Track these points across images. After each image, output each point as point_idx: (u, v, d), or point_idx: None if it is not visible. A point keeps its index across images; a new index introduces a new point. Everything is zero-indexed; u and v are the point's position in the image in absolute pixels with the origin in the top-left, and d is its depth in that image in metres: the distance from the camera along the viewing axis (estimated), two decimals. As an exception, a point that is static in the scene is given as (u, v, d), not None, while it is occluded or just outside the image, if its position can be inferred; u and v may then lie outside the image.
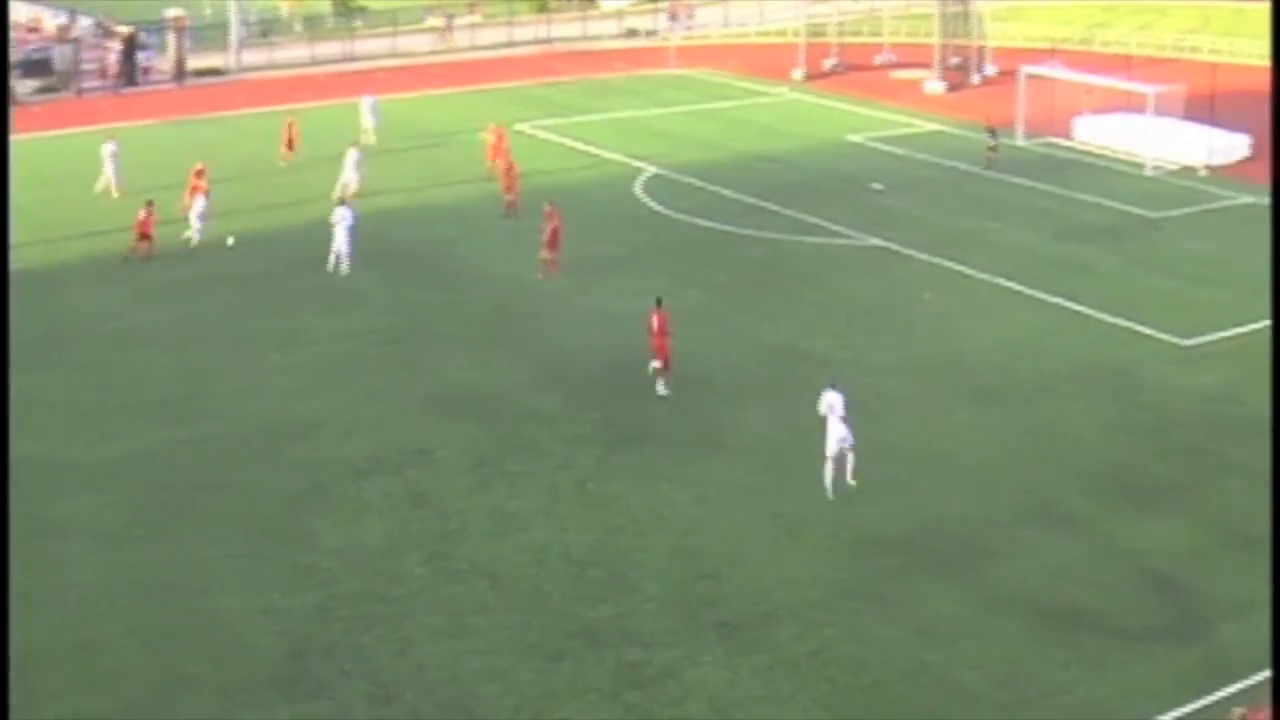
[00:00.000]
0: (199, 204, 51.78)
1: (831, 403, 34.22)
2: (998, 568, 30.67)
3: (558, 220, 48.65)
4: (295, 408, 38.31)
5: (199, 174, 53.60)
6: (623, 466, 35.03)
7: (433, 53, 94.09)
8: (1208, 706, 25.94)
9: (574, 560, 30.72)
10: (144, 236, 49.36)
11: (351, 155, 58.08)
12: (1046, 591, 29.81)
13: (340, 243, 48.50)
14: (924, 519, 32.66)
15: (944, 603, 29.27)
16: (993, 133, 66.32)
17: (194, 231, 51.12)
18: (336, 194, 54.81)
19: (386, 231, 51.95)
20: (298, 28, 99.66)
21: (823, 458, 33.41)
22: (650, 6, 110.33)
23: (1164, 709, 26.03)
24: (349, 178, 57.17)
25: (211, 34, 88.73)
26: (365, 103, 67.54)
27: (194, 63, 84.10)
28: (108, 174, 57.00)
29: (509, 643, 27.76)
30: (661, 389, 39.09)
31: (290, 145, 62.94)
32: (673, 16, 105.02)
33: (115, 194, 56.14)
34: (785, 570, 30.41)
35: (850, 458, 33.20)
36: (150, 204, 49.90)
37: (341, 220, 48.79)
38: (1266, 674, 26.37)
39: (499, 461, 35.14)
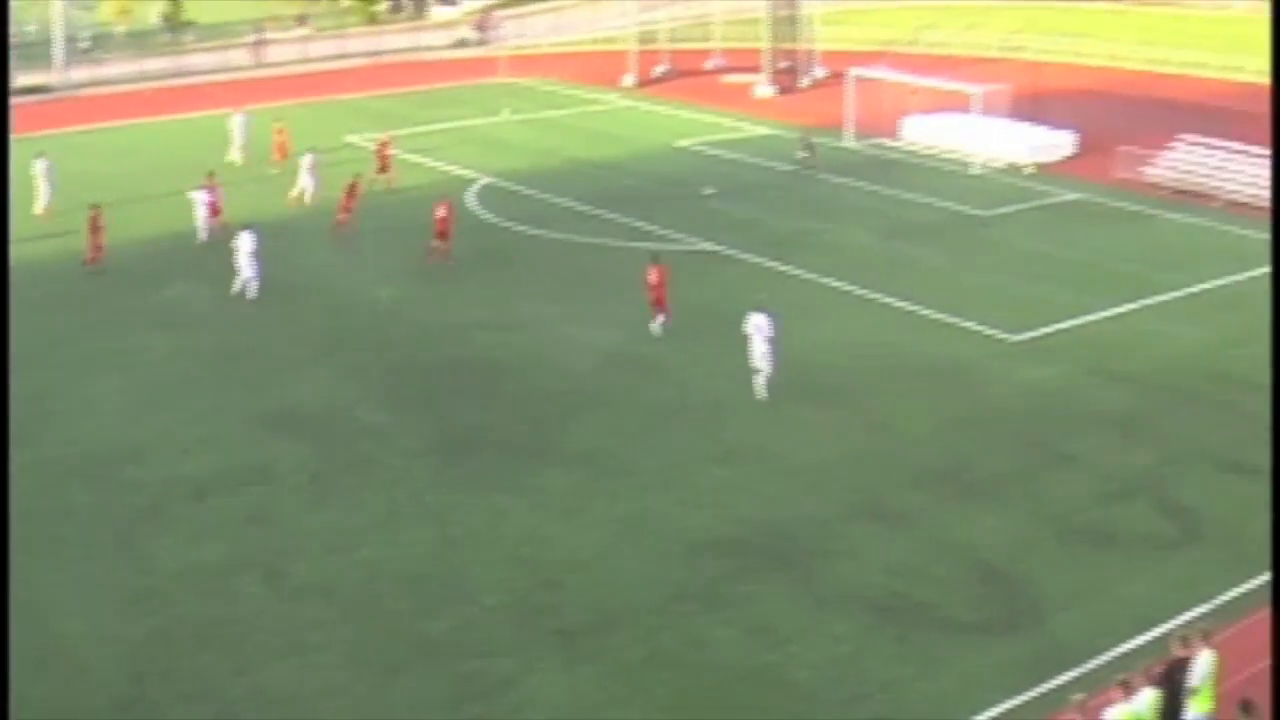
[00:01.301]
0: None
1: (758, 324, 39.40)
2: (833, 565, 30.93)
3: (446, 210, 51.53)
4: (131, 428, 37.74)
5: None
6: (458, 478, 34.90)
7: (260, 66, 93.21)
8: (1042, 695, 26.28)
9: (411, 574, 30.55)
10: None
11: (306, 160, 59.38)
12: (881, 587, 30.09)
13: (244, 268, 47.63)
14: (759, 520, 32.87)
15: (779, 602, 29.46)
16: (808, 142, 66.87)
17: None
18: (293, 196, 57.80)
19: (223, 247, 51.38)
20: (123, 43, 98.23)
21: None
22: (481, 16, 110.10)
23: (999, 699, 26.34)
24: (304, 183, 58.65)
25: (37, 51, 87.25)
26: (235, 120, 66.54)
27: (19, 80, 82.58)
28: (42, 192, 56.93)
29: (347, 658, 27.56)
30: (657, 329, 43.88)
31: (282, 152, 64.47)
32: (478, 27, 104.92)
33: (41, 212, 56.11)
34: (622, 576, 30.49)
35: (762, 376, 39.06)
36: None
37: (243, 246, 47.82)
38: (1101, 660, 27.04)
39: (335, 477, 34.88)
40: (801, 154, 66.04)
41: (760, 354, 39.39)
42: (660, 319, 44.36)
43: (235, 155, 64.94)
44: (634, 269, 50.61)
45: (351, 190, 55.42)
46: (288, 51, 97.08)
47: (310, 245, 53.35)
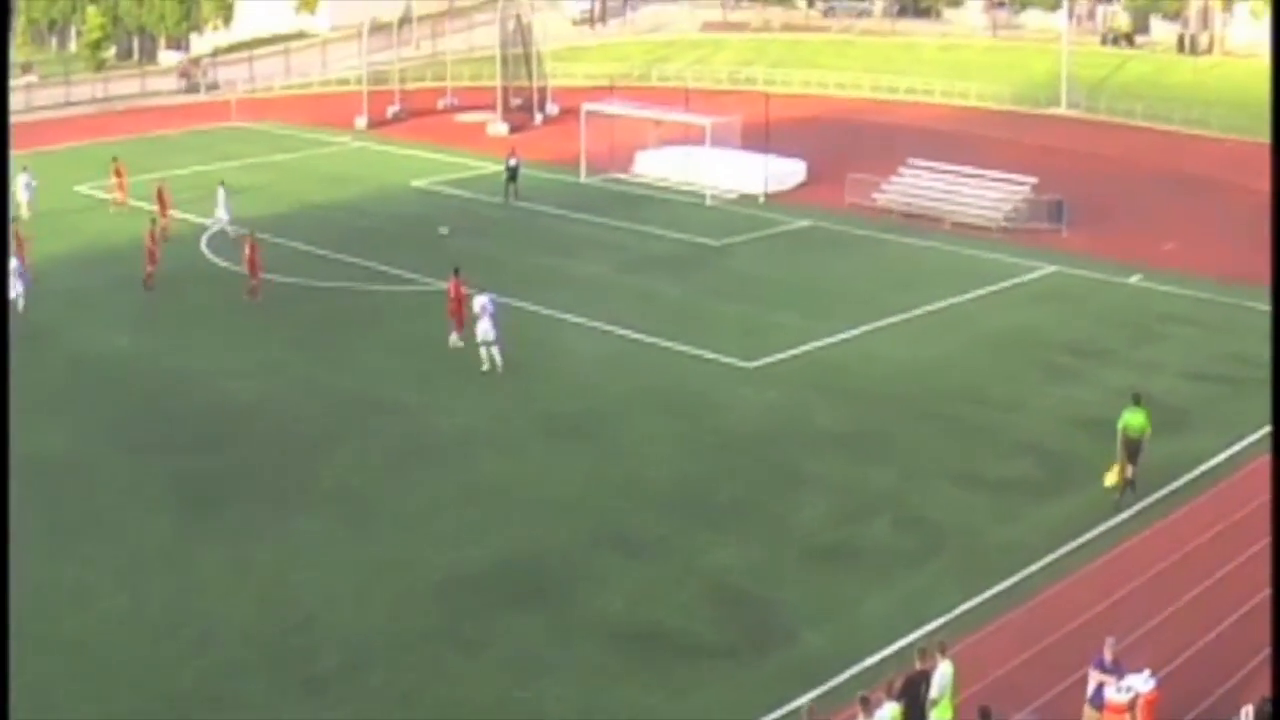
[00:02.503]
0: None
1: (483, 304, 44.12)
2: (582, 597, 31.07)
3: (249, 245, 52.52)
4: None
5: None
6: (203, 526, 34.34)
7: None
8: (788, 714, 26.65)
9: (156, 626, 30.05)
10: None
11: (220, 193, 61.22)
12: (627, 616, 30.35)
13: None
14: (508, 555, 32.92)
15: (530, 636, 29.54)
16: (512, 168, 67.37)
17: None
18: (214, 228, 59.73)
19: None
20: None
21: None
22: (210, 60, 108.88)
23: (747, 720, 26.83)
24: (221, 214, 60.56)
25: None
26: (20, 180, 64.34)
27: None
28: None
29: (96, 715, 27.04)
30: (456, 341, 45.82)
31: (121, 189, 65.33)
32: (183, 75, 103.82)
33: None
34: (371, 617, 30.31)
35: (496, 348, 43.89)
36: None
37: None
38: (846, 676, 27.58)
39: (75, 529, 34.17)
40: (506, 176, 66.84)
41: (481, 331, 44.12)
42: (455, 334, 46.12)
43: (22, 211, 63.05)
44: (373, 312, 50.66)
45: (154, 239, 54.34)
46: (13, 100, 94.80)
47: (46, 294, 52.12)
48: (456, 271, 46.95)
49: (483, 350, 44.30)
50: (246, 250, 52.52)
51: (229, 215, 60.87)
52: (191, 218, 63.13)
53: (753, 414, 41.61)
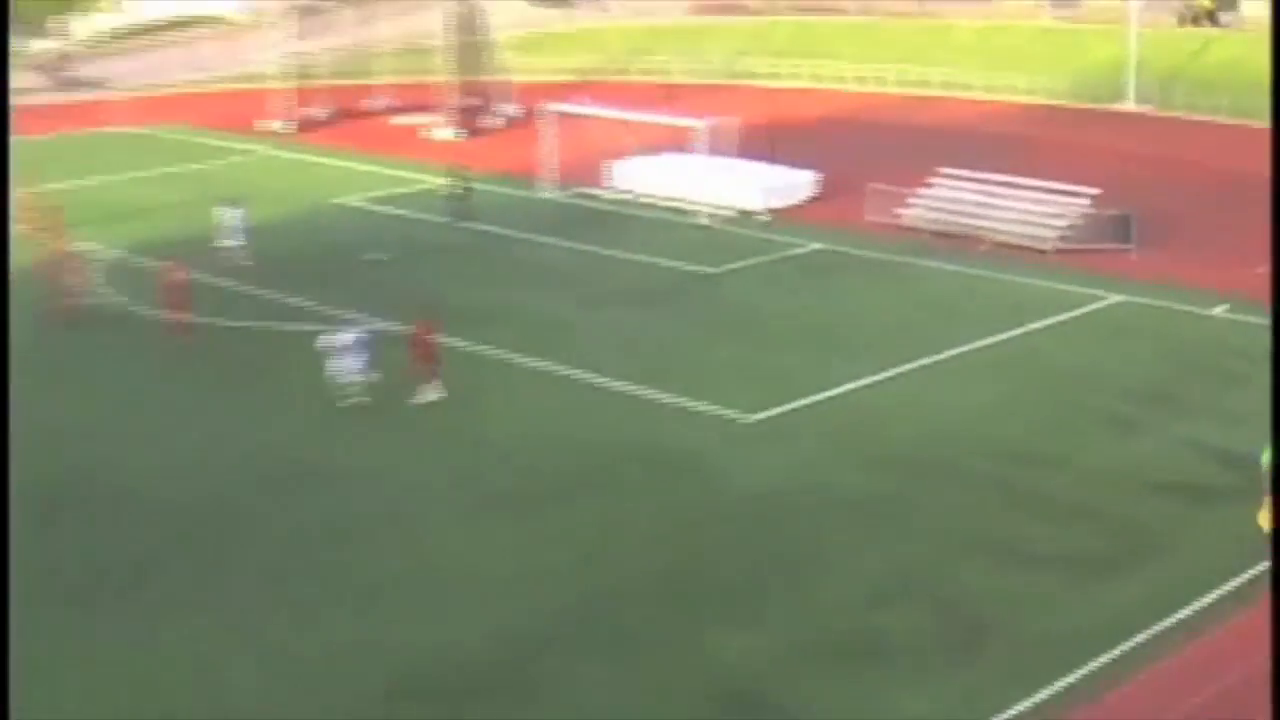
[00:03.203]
0: None
1: (345, 340, 46.47)
2: (550, 699, 30.83)
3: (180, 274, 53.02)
4: None
5: None
6: (99, 619, 34.32)
7: None
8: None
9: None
10: None
11: (229, 213, 61.58)
12: (609, 724, 30.41)
13: None
14: (459, 650, 32.70)
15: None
16: (462, 178, 67.60)
17: None
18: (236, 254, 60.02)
19: None
20: None
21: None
22: (91, 50, 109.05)
23: None
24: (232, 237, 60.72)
25: None
26: None
27: None
28: None
29: None
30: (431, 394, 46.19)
31: None
32: (51, 70, 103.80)
33: None
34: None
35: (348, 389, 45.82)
36: None
37: None
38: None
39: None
40: (459, 192, 66.93)
41: (347, 366, 46.54)
42: (428, 386, 46.65)
43: None
44: (290, 356, 50.52)
45: (65, 267, 54.74)
46: None
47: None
48: (423, 314, 47.30)
49: (349, 386, 46.03)
50: (170, 282, 52.69)
51: (242, 239, 60.64)
52: (90, 246, 63.03)
53: (756, 478, 41.55)
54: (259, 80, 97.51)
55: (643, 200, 70.49)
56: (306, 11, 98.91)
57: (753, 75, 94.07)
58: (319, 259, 62.15)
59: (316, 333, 48.06)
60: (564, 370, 49.32)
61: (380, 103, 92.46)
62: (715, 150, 69.80)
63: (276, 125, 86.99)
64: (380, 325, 52.67)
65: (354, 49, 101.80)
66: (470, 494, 40.34)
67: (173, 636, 33.29)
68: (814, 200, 70.27)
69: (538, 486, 41.03)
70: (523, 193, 70.94)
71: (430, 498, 40.23)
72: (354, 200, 72.00)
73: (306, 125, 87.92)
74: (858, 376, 48.51)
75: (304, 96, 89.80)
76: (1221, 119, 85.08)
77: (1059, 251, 62.32)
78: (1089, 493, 40.31)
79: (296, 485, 41.07)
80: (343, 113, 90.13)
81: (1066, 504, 39.65)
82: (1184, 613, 33.84)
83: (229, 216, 61.43)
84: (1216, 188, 73.06)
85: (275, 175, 77.41)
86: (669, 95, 78.71)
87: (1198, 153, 79.01)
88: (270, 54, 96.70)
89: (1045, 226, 63.75)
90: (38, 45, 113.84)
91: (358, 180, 75.55)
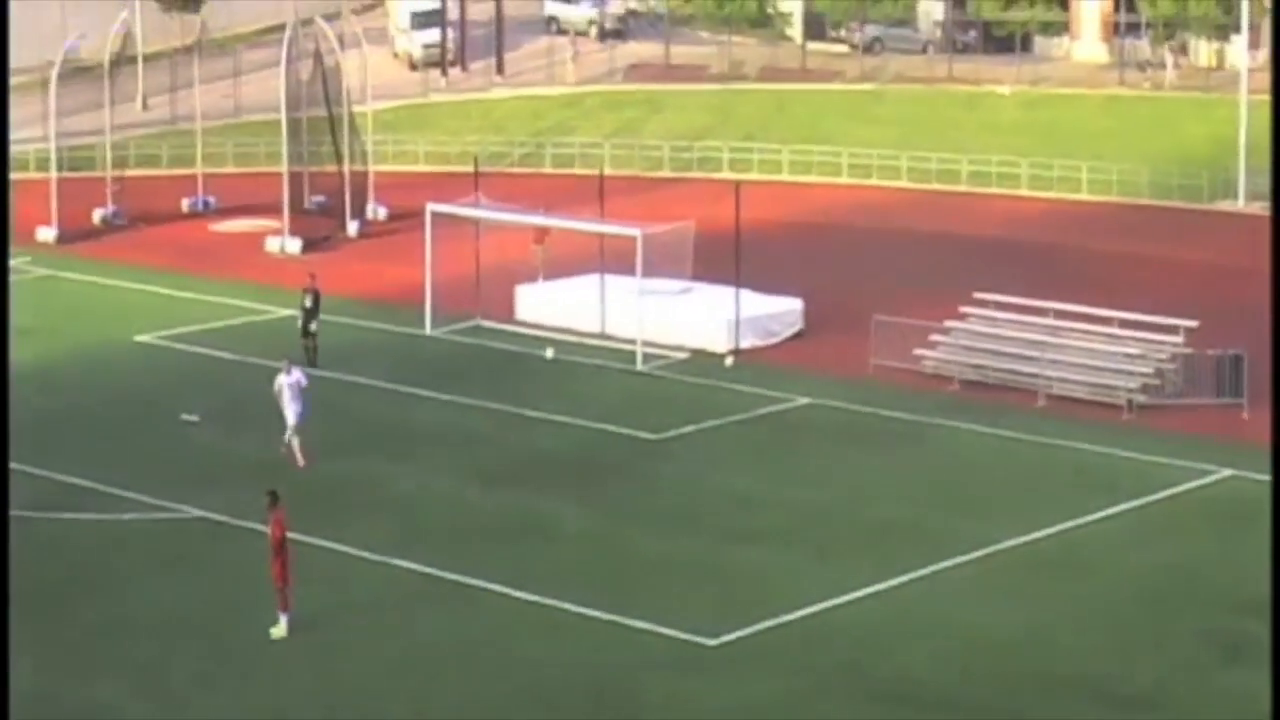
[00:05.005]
0: None
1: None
2: None
3: None
4: None
5: None
6: None
7: None
8: None
9: None
10: None
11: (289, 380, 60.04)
12: None
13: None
14: None
15: None
16: (309, 311, 68.08)
17: None
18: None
19: None
20: None
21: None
22: None
23: None
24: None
25: None
26: None
27: None
28: None
29: None
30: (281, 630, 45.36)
31: None
32: None
33: None
34: None
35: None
36: None
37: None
38: None
39: None
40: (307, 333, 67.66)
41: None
42: (283, 618, 45.57)
43: None
44: (75, 559, 50.30)
45: None
46: None
47: None
48: (274, 499, 46.41)
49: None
50: None
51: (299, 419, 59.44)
52: None
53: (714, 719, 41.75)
54: (20, 168, 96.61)
55: (559, 338, 70.59)
56: (86, 72, 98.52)
57: (712, 164, 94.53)
58: (108, 419, 62.01)
59: (107, 525, 47.97)
60: (455, 577, 49.06)
61: (200, 202, 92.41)
62: (659, 268, 69.86)
63: (46, 234, 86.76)
64: (195, 512, 52.76)
65: (159, 124, 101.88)
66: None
67: None
68: (798, 337, 70.47)
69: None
70: (395, 327, 70.99)
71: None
72: (161, 338, 71.92)
73: (91, 233, 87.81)
74: (859, 584, 48.35)
75: (87, 192, 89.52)
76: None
77: (1141, 408, 62.48)
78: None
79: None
80: (143, 215, 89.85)
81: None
82: None
83: (290, 382, 60.64)
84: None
85: (48, 304, 76.63)
86: (599, 192, 78.70)
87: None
88: (33, 131, 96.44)
89: (1122, 374, 63.93)
90: None
91: (166, 310, 75.25)
